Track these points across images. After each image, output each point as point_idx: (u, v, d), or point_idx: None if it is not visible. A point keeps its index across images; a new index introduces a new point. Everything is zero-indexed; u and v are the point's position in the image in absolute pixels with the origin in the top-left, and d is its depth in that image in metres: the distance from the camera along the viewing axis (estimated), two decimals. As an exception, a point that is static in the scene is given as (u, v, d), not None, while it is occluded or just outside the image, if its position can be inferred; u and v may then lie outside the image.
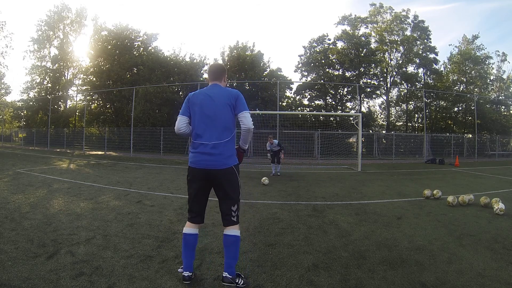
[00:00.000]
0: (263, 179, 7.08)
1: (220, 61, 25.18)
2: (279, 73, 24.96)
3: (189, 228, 2.22)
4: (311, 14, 65.34)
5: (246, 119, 2.19)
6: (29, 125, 28.30)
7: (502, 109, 25.90)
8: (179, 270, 2.28)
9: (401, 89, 27.11)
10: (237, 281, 2.12)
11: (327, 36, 27.39)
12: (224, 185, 2.18)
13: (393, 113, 28.22)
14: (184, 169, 10.05)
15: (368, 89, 26.89)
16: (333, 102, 27.52)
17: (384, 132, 26.25)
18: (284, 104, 25.46)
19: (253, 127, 2.23)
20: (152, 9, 63.06)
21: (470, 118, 23.98)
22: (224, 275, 2.13)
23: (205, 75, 25.84)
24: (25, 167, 9.13)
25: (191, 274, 2.18)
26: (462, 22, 52.80)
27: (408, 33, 26.24)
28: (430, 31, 26.36)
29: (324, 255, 2.72)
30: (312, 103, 27.40)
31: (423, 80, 26.97)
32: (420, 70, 27.25)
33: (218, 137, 2.16)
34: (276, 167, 8.84)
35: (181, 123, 2.22)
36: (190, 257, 2.20)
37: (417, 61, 26.39)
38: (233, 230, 2.19)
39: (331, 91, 27.24)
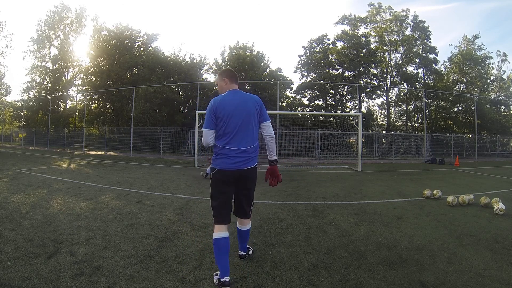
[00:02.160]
0: None
1: (220, 61, 25.20)
2: (279, 73, 24.95)
3: (220, 232, 2.19)
4: (311, 14, 65.37)
5: (270, 128, 2.36)
6: (29, 125, 28.28)
7: (502, 109, 25.88)
8: (215, 277, 2.19)
9: (401, 89, 27.12)
10: (249, 252, 2.67)
11: (327, 36, 27.43)
12: (250, 183, 2.37)
13: (393, 113, 28.23)
14: (184, 169, 10.06)
15: (368, 89, 26.90)
16: (333, 102, 27.52)
17: (384, 132, 26.25)
18: (284, 104, 25.46)
19: (274, 136, 2.42)
20: (152, 9, 63.10)
21: (470, 118, 23.97)
22: (240, 253, 2.60)
23: (205, 75, 25.84)
24: (25, 167, 9.13)
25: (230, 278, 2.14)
26: (462, 22, 52.84)
27: (408, 33, 26.24)
28: (430, 31, 26.38)
29: (324, 255, 2.72)
30: (312, 103, 27.41)
31: (423, 80, 26.97)
32: (420, 70, 27.27)
33: (248, 143, 2.27)
34: None
35: (209, 137, 2.27)
36: (227, 261, 2.15)
37: (417, 61, 26.38)
38: (249, 224, 2.53)
39: (331, 91, 27.25)
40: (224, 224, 2.24)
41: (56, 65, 28.16)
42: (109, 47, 25.08)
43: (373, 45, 26.57)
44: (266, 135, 2.34)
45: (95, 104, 27.69)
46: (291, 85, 26.60)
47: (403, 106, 27.73)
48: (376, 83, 27.29)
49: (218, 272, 2.17)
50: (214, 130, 2.26)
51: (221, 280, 2.08)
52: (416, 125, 27.78)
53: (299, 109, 26.59)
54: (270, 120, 2.37)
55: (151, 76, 22.42)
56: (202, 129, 2.30)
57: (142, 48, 26.30)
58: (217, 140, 2.26)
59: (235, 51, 23.96)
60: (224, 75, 2.43)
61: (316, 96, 27.50)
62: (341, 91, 27.21)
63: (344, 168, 11.76)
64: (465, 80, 25.49)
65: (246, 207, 2.42)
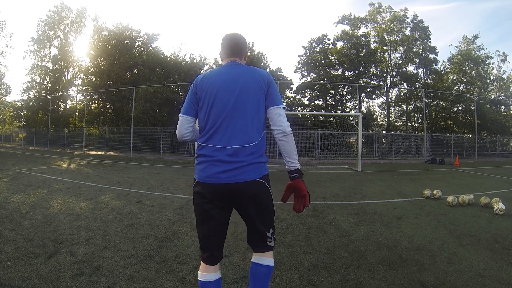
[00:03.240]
0: None
1: (220, 61, 25.14)
2: (279, 73, 24.98)
3: (207, 274, 1.50)
4: (311, 14, 65.35)
5: (281, 117, 1.49)
6: (29, 125, 28.29)
7: (502, 109, 25.90)
8: None
9: (401, 89, 27.13)
10: None
11: (327, 36, 27.46)
12: (253, 207, 1.49)
13: (393, 113, 28.24)
14: (184, 169, 10.04)
15: (368, 89, 26.91)
16: (333, 102, 27.54)
17: (384, 132, 26.26)
18: (284, 104, 25.47)
19: (290, 130, 1.50)
20: (152, 9, 63.07)
21: (470, 118, 23.98)
22: None
23: (205, 75, 25.86)
24: (25, 167, 9.13)
25: None
26: (463, 22, 52.77)
27: (407, 33, 26.26)
28: (430, 31, 26.41)
29: (324, 255, 2.72)
30: (312, 103, 27.43)
31: (423, 80, 26.98)
32: (420, 70, 27.30)
33: (242, 139, 1.44)
34: None
35: (183, 127, 1.54)
36: None
37: (417, 61, 26.40)
38: (268, 259, 1.55)
39: (331, 91, 27.26)
40: (212, 264, 1.51)
41: (56, 65, 28.17)
42: (109, 47, 25.09)
43: (373, 45, 26.60)
44: (273, 128, 1.50)
45: (95, 104, 27.70)
46: (291, 85, 26.63)
47: (403, 106, 27.74)
48: (376, 83, 27.31)
49: None
50: (191, 118, 1.54)
51: None
52: (416, 125, 27.79)
53: (299, 109, 26.61)
54: (283, 105, 1.54)
55: (151, 76, 22.42)
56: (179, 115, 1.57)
57: (142, 48, 26.32)
58: (200, 136, 1.54)
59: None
60: (222, 44, 1.65)
61: (316, 96, 27.53)
62: (341, 91, 27.22)
63: (344, 168, 11.76)
64: (465, 80, 25.50)
65: (258, 233, 1.54)
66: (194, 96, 1.54)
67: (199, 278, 1.52)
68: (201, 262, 1.54)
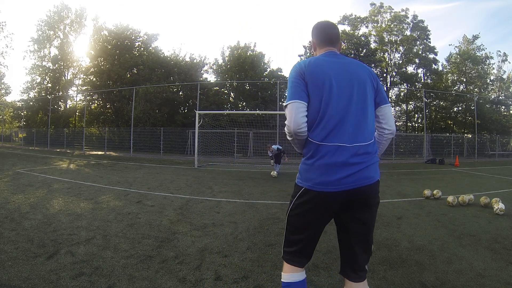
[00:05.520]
0: (272, 173, 8.51)
1: (221, 61, 25.12)
2: (279, 73, 24.98)
3: (293, 274, 1.40)
4: (312, 14, 65.36)
5: (390, 116, 1.45)
6: (29, 125, 28.30)
7: (502, 109, 25.91)
8: None
9: (401, 89, 27.13)
10: None
11: (327, 36, 27.40)
12: (371, 210, 1.35)
13: (393, 113, 28.18)
14: (184, 169, 10.04)
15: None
16: (333, 102, 27.52)
17: (384, 132, 26.22)
18: (284, 104, 25.47)
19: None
20: (152, 9, 63.08)
21: (470, 118, 24.00)
22: None
23: (205, 75, 25.82)
24: (25, 167, 9.13)
25: None
26: (462, 22, 52.80)
27: (407, 33, 26.26)
28: (429, 31, 26.42)
29: (324, 255, 2.72)
30: (312, 103, 27.40)
31: (422, 80, 26.99)
32: (420, 70, 27.31)
33: (365, 136, 1.31)
34: (276, 167, 9.03)
35: (300, 114, 1.28)
36: None
37: (417, 61, 26.41)
38: None
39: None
40: (300, 266, 1.41)
41: (56, 65, 28.20)
42: (109, 47, 25.10)
43: (373, 45, 26.60)
44: (385, 127, 1.43)
45: (95, 104, 27.72)
46: (291, 85, 26.60)
47: (403, 106, 27.74)
48: (376, 83, 27.31)
49: None
50: (306, 104, 1.29)
51: None
52: (416, 125, 27.80)
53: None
54: (390, 104, 1.46)
55: (151, 76, 22.43)
56: (285, 103, 1.35)
57: (142, 48, 26.35)
58: (310, 132, 1.31)
59: (236, 51, 23.97)
60: (313, 34, 1.53)
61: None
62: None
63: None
64: (464, 80, 25.50)
65: (360, 256, 1.36)
66: (302, 80, 1.31)
67: (284, 280, 1.40)
68: (286, 264, 1.42)
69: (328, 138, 1.26)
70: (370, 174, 1.29)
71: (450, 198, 4.89)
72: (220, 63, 24.92)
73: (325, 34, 1.49)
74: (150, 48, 26.10)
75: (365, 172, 1.27)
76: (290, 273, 1.38)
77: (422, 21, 26.26)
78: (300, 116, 1.27)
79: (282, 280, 1.40)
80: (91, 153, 18.11)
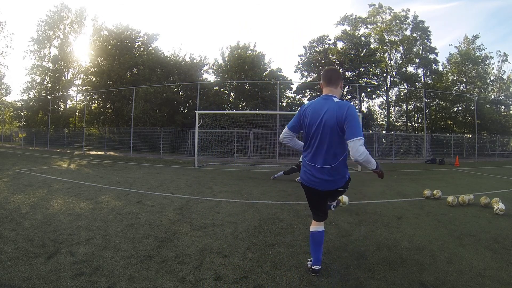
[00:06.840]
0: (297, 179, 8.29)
1: (221, 61, 25.14)
2: (279, 73, 24.97)
3: (314, 227, 2.35)
4: (312, 14, 65.33)
5: (357, 147, 1.92)
6: (29, 125, 28.28)
7: (502, 109, 25.89)
8: (309, 263, 2.41)
9: (401, 89, 27.13)
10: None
11: (328, 36, 27.39)
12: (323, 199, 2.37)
13: (393, 113, 28.23)
14: (184, 169, 10.07)
15: (368, 89, 26.91)
16: (333, 102, 27.49)
17: (384, 132, 26.25)
18: (284, 104, 25.47)
19: (362, 158, 1.94)
20: (152, 9, 63.07)
21: (470, 118, 23.98)
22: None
23: (205, 75, 25.85)
24: (25, 167, 9.13)
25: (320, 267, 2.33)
26: (463, 22, 52.75)
27: (408, 33, 26.25)
28: (430, 31, 26.37)
29: (324, 255, 2.71)
30: (312, 103, 27.39)
31: (423, 80, 26.98)
32: (420, 70, 27.29)
33: (324, 162, 2.12)
34: (279, 173, 8.02)
35: (283, 135, 2.34)
36: (319, 251, 2.32)
37: (417, 61, 26.40)
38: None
39: (331, 91, 27.22)
40: (317, 220, 2.35)
41: (56, 65, 28.18)
42: (109, 47, 25.09)
43: (373, 45, 26.59)
44: (353, 156, 1.98)
45: (95, 104, 27.70)
46: (291, 85, 26.61)
47: (403, 106, 27.73)
48: (376, 83, 27.31)
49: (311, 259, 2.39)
50: (291, 133, 2.32)
51: (313, 267, 2.32)
52: (416, 125, 27.79)
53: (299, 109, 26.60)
54: (360, 137, 1.93)
55: (151, 76, 22.42)
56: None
57: (142, 48, 26.32)
58: (303, 149, 2.28)
59: (236, 51, 23.96)
60: (322, 76, 2.29)
61: (316, 96, 27.49)
62: (341, 91, 27.23)
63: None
64: (464, 80, 25.49)
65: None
66: (300, 115, 2.35)
67: (310, 230, 2.35)
68: (313, 220, 2.38)
69: (306, 157, 2.25)
70: (323, 186, 2.19)
71: (450, 198, 4.88)
72: (220, 63, 24.92)
73: (324, 78, 2.26)
74: (150, 48, 26.08)
75: (320, 184, 2.19)
76: (312, 226, 2.36)
77: (423, 21, 26.26)
78: (283, 137, 2.38)
79: (310, 231, 2.36)
80: (91, 153, 18.11)
